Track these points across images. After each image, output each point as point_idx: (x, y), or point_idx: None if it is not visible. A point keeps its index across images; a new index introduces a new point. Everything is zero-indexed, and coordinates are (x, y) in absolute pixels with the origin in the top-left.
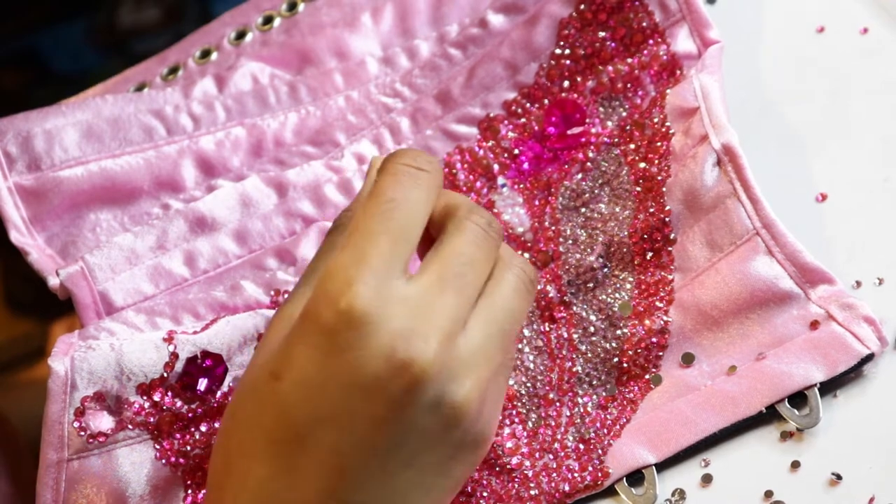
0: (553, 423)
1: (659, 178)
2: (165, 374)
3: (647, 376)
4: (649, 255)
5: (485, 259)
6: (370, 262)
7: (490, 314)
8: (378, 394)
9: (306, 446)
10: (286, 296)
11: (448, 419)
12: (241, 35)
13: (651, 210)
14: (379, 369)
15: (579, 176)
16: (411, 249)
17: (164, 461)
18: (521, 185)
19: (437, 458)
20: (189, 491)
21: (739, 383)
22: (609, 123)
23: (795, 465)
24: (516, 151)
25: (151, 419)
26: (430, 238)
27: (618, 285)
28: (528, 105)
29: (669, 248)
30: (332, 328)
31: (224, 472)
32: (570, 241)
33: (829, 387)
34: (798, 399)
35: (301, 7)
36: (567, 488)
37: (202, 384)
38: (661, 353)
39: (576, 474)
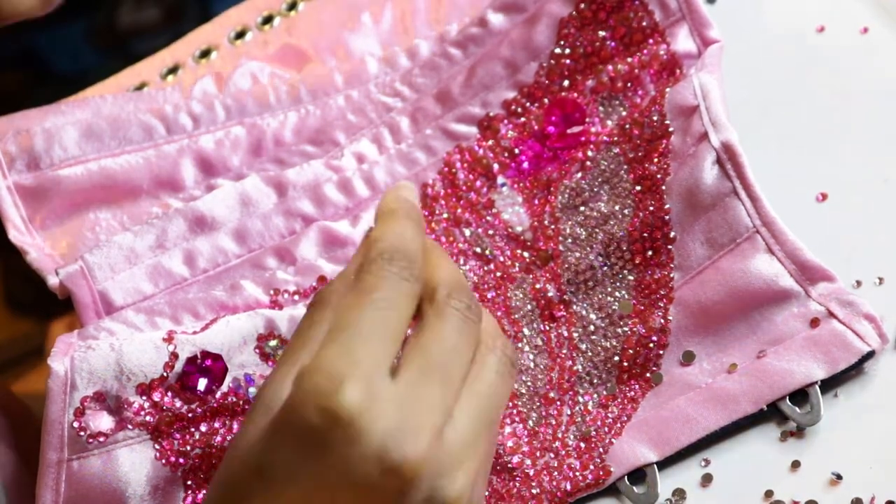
0: (554, 422)
1: (658, 176)
2: (165, 374)
3: (647, 375)
4: (649, 253)
5: (466, 345)
6: (360, 362)
7: (475, 401)
8: (371, 495)
9: None
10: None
11: None
12: (241, 35)
13: (651, 208)
14: (371, 470)
15: (579, 175)
16: (397, 349)
17: (163, 461)
18: (521, 184)
19: None
20: (189, 491)
21: (740, 381)
22: (609, 122)
23: (796, 464)
24: (516, 150)
25: (151, 419)
26: None
27: (618, 284)
28: (527, 104)
29: (669, 247)
30: (318, 427)
31: None
32: (570, 240)
33: (830, 384)
34: (799, 397)
35: (301, 7)
36: (568, 487)
37: (202, 384)
38: (661, 352)
39: (577, 473)
